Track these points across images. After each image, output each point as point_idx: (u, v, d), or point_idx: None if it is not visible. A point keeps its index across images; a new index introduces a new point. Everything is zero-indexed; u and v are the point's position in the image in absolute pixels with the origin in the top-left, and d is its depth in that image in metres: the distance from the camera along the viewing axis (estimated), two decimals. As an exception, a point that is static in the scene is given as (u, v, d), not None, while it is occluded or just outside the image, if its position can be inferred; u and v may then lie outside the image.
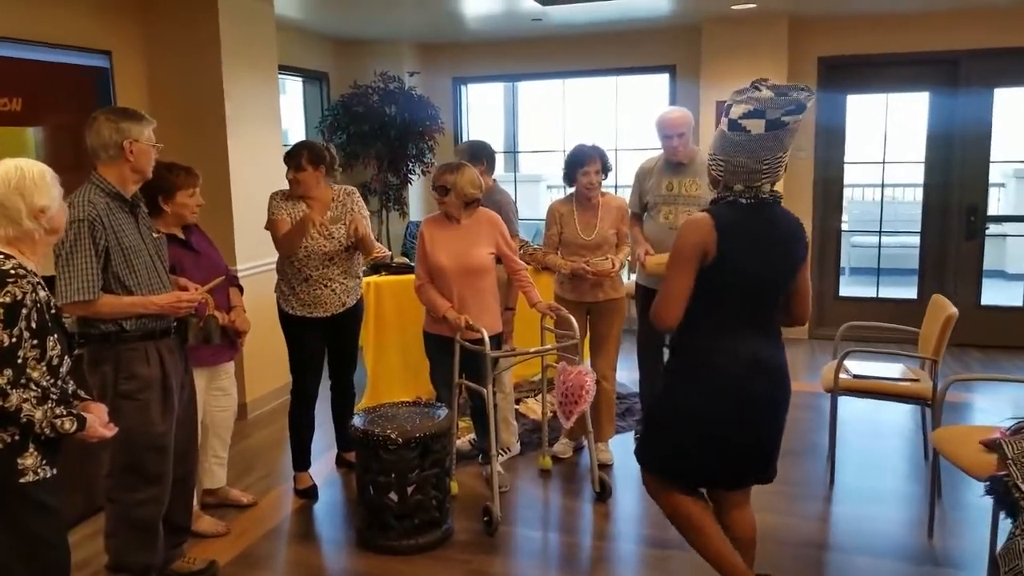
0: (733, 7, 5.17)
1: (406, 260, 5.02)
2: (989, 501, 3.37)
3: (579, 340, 3.48)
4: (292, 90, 6.34)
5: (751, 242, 2.12)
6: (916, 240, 6.19)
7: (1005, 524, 2.72)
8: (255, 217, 4.68)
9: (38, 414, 1.91)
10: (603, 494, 3.57)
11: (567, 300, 3.81)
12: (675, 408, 2.23)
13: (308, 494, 3.66)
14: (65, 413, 1.97)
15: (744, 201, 2.13)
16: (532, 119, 7.39)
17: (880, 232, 6.35)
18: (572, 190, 3.84)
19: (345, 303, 3.55)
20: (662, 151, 4.03)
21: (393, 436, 3.06)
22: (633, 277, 4.01)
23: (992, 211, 6.37)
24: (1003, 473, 2.35)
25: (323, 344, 3.60)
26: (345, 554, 3.18)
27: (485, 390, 3.35)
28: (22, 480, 1.94)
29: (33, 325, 1.92)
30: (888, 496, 3.58)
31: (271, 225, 3.48)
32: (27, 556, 1.98)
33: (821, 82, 5.96)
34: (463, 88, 6.92)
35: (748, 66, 5.70)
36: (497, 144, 8.50)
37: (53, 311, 2.02)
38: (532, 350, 3.51)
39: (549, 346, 3.46)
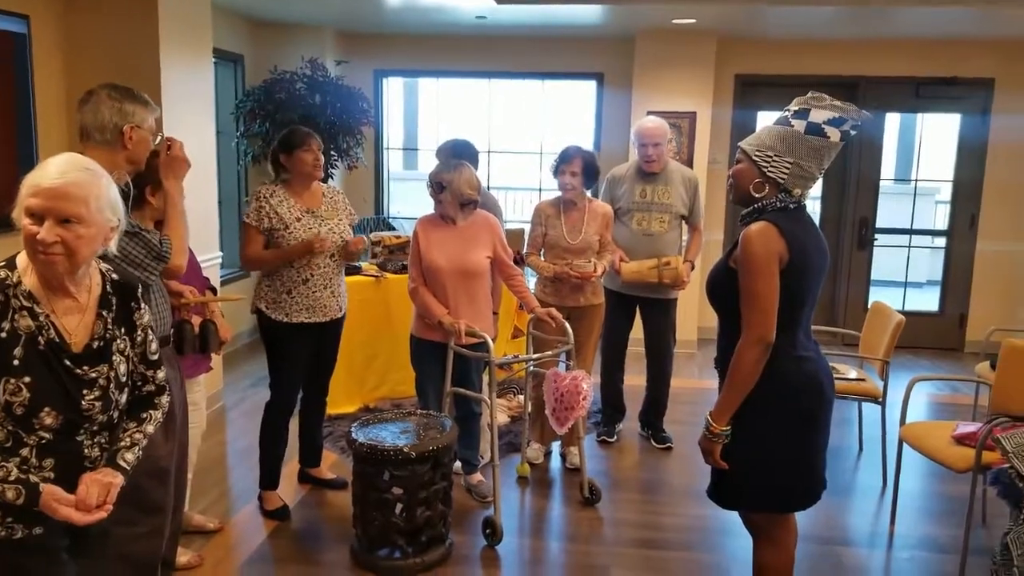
0: (673, 21, 5.34)
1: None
2: (941, 488, 3.76)
3: (572, 345, 3.44)
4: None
5: (810, 245, 2.15)
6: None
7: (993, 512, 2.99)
8: (191, 208, 4.22)
9: None
10: (593, 498, 3.56)
11: (547, 304, 3.75)
12: (780, 425, 2.12)
13: (279, 515, 3.36)
14: (14, 477, 1.53)
15: (792, 206, 2.16)
16: (449, 118, 7.23)
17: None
18: (559, 193, 3.80)
19: (342, 306, 3.32)
20: (636, 158, 4.11)
21: (406, 450, 2.88)
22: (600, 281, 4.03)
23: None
24: (1007, 466, 2.58)
25: (308, 352, 3.32)
26: (345, 578, 2.95)
27: (486, 399, 3.24)
28: None
29: None
30: (845, 488, 3.85)
31: (252, 240, 3.18)
32: None
33: (736, 97, 6.31)
34: (384, 81, 6.66)
35: (678, 78, 5.92)
36: (397, 140, 8.29)
37: (42, 347, 1.58)
38: (535, 356, 3.43)
39: (550, 352, 3.40)
